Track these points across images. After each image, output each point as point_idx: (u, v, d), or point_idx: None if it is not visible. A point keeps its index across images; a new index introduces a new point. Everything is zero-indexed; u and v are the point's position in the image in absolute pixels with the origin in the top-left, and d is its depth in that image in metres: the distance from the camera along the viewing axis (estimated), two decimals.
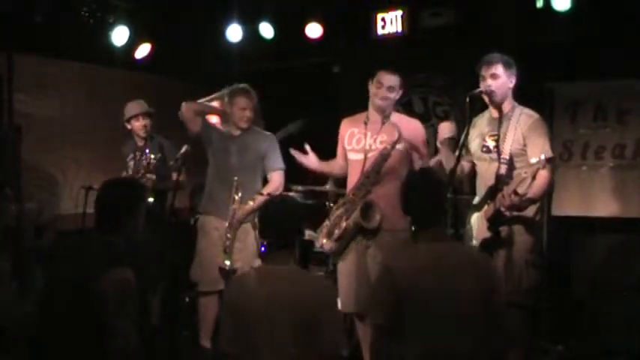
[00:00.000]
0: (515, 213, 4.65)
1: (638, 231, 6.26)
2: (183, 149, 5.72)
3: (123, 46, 7.32)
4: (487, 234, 4.71)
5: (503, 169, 4.78)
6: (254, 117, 5.95)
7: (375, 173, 5.06)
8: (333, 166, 5.51)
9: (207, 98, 6.19)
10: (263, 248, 5.31)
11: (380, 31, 7.36)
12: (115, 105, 6.78)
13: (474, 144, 5.03)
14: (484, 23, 6.92)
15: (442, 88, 7.78)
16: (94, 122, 6.61)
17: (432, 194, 3.82)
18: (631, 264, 5.89)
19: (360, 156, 5.17)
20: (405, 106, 7.49)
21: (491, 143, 4.91)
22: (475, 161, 5.04)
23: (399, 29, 7.27)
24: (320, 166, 5.50)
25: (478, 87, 4.94)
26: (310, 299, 3.55)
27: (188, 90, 6.83)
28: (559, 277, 6.40)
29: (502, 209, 4.60)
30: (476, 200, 4.97)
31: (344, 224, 5.11)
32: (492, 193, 4.72)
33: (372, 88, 5.19)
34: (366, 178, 5.07)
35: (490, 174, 4.83)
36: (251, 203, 5.69)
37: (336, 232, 5.14)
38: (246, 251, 5.73)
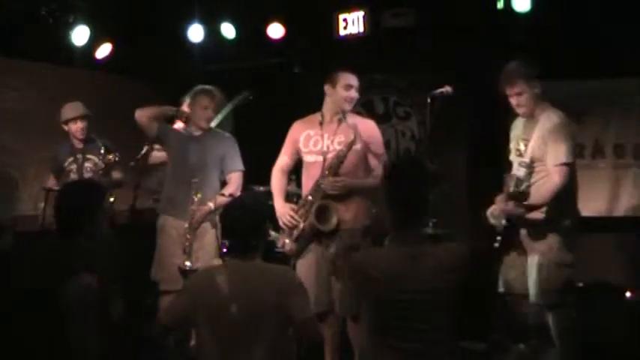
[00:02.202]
0: (532, 216, 4.77)
1: (594, 230, 6.31)
2: (144, 150, 5.69)
3: (83, 46, 7.27)
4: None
5: (521, 173, 4.83)
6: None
7: (332, 175, 5.03)
8: (284, 178, 5.44)
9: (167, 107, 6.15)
10: (225, 249, 5.33)
11: (342, 32, 7.38)
12: None
13: (511, 146, 5.11)
14: (445, 24, 6.96)
15: (403, 89, 7.81)
16: (54, 123, 6.53)
17: (415, 187, 3.51)
18: (588, 263, 5.92)
19: (319, 158, 5.14)
20: (365, 106, 7.52)
21: (523, 147, 4.98)
22: (513, 163, 5.07)
23: (361, 30, 7.29)
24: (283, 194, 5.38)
25: (439, 87, 4.98)
26: (277, 280, 3.60)
27: (149, 90, 6.80)
28: None
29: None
30: None
31: (302, 225, 5.10)
32: None
33: (335, 90, 5.17)
34: (323, 180, 5.04)
35: None
36: (210, 204, 5.67)
37: (295, 232, 5.13)
38: (203, 250, 5.72)
